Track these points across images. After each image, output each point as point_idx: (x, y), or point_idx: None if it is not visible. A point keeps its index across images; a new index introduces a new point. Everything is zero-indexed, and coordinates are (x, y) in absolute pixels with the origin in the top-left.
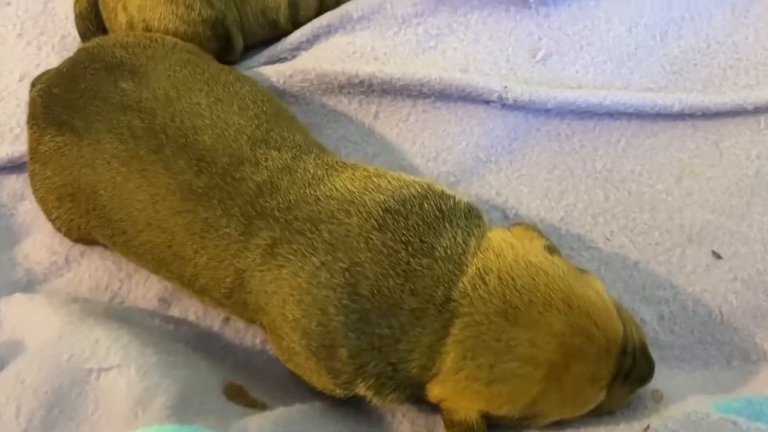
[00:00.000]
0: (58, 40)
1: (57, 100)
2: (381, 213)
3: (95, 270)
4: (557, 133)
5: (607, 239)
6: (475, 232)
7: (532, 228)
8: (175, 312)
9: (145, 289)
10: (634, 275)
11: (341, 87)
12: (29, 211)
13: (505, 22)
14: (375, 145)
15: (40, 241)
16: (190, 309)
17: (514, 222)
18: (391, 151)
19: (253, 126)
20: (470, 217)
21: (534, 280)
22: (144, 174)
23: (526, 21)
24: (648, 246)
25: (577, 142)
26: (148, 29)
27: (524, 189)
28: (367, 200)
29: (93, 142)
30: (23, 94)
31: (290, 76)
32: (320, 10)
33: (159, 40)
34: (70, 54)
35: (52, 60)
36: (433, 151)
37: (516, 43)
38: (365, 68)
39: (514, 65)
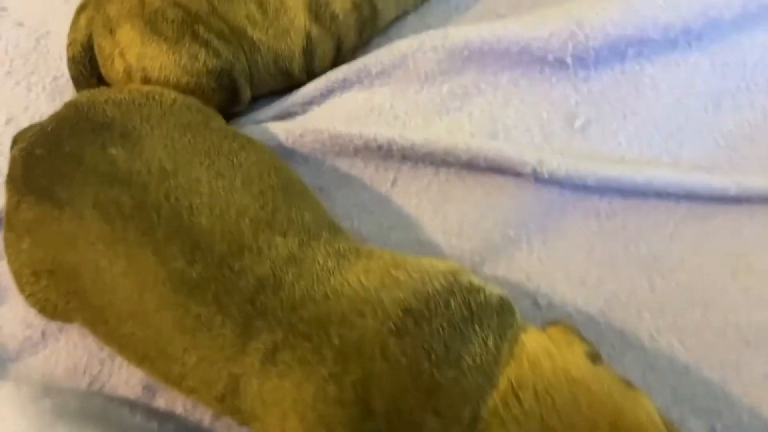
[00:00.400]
0: (49, 81)
1: (39, 164)
2: (400, 315)
3: (74, 348)
4: (596, 212)
5: (653, 338)
6: (508, 334)
7: (571, 329)
8: (160, 402)
9: (128, 374)
10: (684, 382)
11: (357, 150)
12: (4, 274)
13: (540, 84)
14: (391, 216)
15: (15, 310)
16: (177, 398)
17: (549, 317)
18: (410, 223)
19: (257, 205)
20: (502, 314)
21: (576, 398)
22: (131, 259)
23: (563, 83)
24: (699, 348)
25: (619, 222)
26: (146, 79)
27: (559, 274)
28: (384, 299)
29: (76, 217)
30: (8, 140)
31: (301, 135)
32: (337, 60)
33: (156, 97)
34: (63, 97)
35: (42, 102)
36: (457, 226)
37: (551, 108)
38: (384, 132)
39: (548, 133)
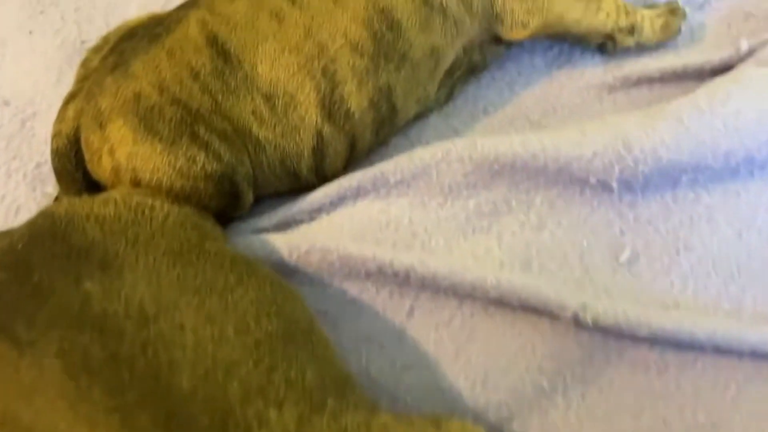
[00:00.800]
0: (32, 168)
1: (1, 291)
2: None
3: None
4: (646, 365)
5: None
6: None
7: None
8: None
9: None
10: None
11: (369, 274)
12: None
13: (579, 207)
14: (406, 353)
15: None
16: None
17: None
18: (427, 363)
19: (251, 362)
20: None
21: None
22: (94, 427)
23: (605, 208)
24: None
25: (671, 380)
26: (136, 181)
27: None
28: None
29: (36, 365)
30: None
31: (306, 252)
32: (350, 160)
33: (146, 212)
34: (44, 187)
35: (22, 192)
36: (482, 372)
37: (593, 236)
38: (402, 257)
39: (590, 265)
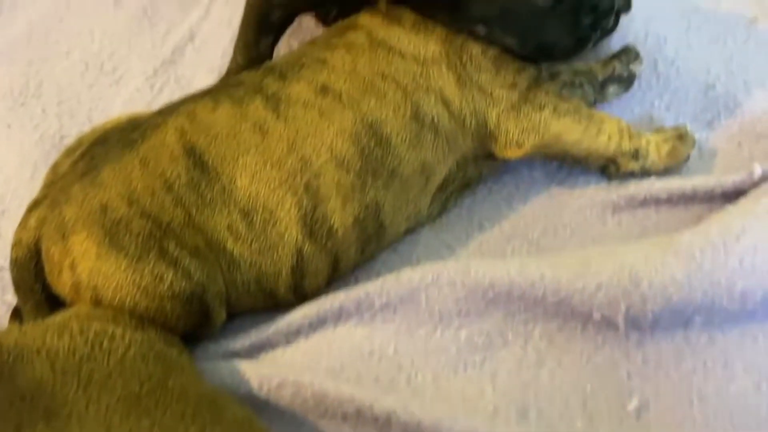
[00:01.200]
0: None
1: None
2: None
3: None
4: None
5: None
6: None
7: None
8: None
9: None
10: None
11: (346, 416)
12: None
13: (581, 344)
14: None
15: None
16: None
17: None
18: None
19: None
20: None
21: None
22: None
23: (610, 347)
24: None
25: None
26: (97, 300)
27: None
28: None
29: None
30: None
31: (278, 386)
32: (332, 278)
33: (105, 344)
34: (4, 295)
35: None
36: None
37: (596, 380)
38: (383, 401)
39: (594, 414)
